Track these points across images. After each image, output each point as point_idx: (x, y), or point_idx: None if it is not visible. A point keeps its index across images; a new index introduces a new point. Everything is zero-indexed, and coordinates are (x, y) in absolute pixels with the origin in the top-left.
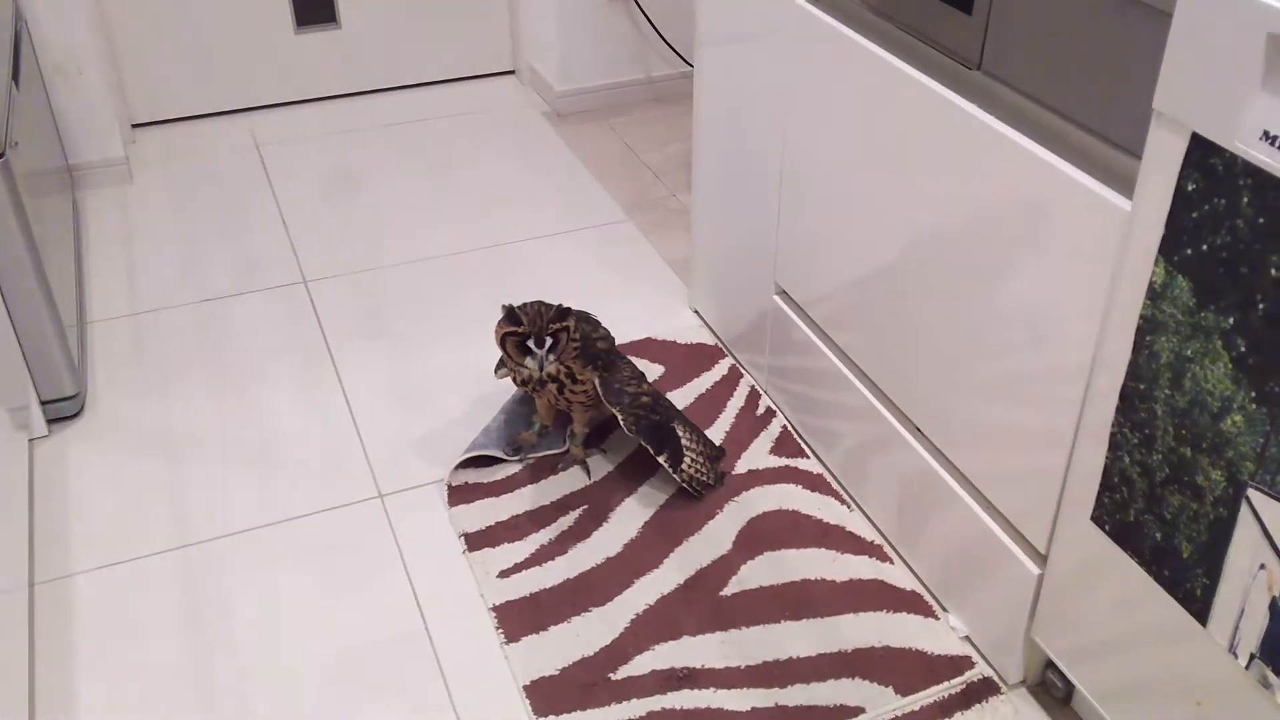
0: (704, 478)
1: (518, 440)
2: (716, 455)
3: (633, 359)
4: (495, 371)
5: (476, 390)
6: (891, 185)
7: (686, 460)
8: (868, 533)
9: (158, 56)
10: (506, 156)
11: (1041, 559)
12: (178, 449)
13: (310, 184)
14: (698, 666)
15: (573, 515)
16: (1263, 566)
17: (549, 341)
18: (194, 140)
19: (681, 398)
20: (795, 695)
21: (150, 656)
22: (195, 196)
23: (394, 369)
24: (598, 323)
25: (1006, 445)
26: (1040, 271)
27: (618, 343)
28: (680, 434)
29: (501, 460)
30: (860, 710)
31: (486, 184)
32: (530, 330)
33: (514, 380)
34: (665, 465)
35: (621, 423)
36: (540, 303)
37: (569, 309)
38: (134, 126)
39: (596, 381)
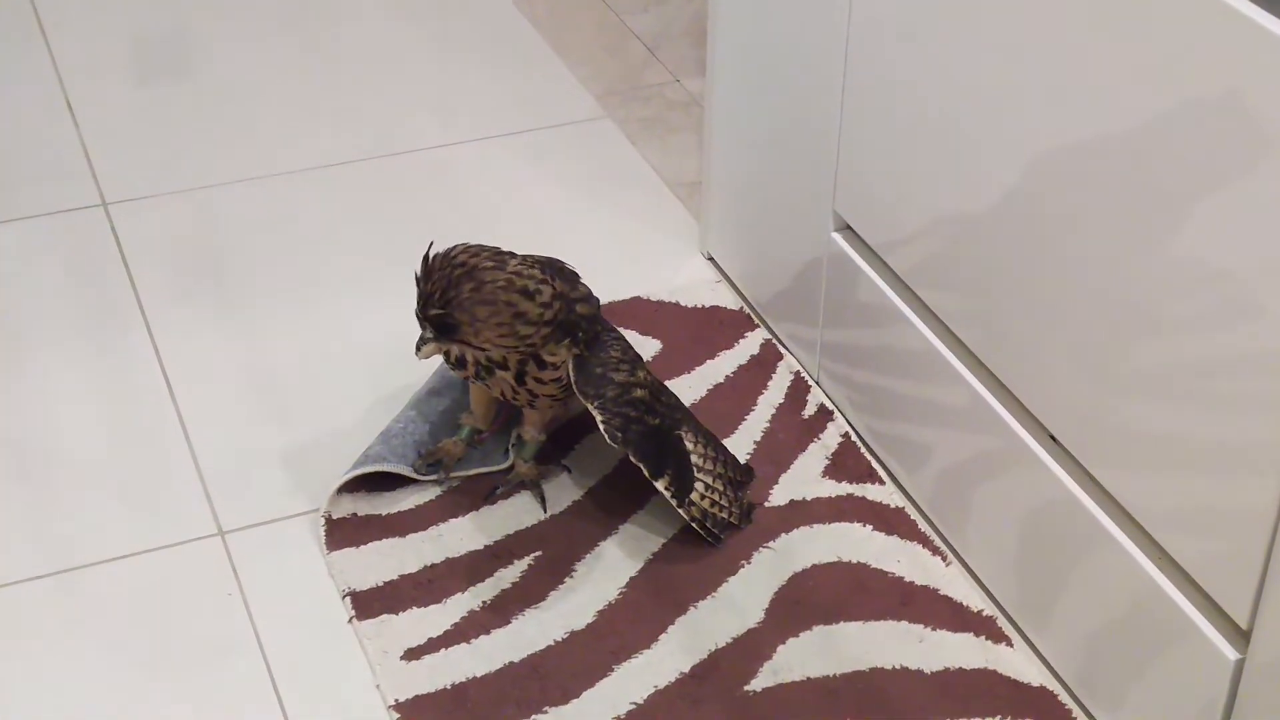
0: (724, 514)
1: (436, 451)
2: (741, 480)
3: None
4: (417, 350)
5: (372, 375)
6: (1019, 65)
7: (700, 487)
8: (973, 599)
9: None
10: (418, 17)
11: (1243, 638)
12: None
13: (113, 52)
14: None
15: (519, 566)
16: None
17: (441, 311)
18: None
19: (688, 390)
20: None
21: None
22: None
23: (242, 340)
24: (576, 277)
25: (1190, 467)
26: (1245, 204)
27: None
28: (690, 447)
29: (410, 481)
30: None
31: (388, 59)
32: (421, 292)
33: (448, 361)
34: (666, 495)
35: (601, 427)
36: (467, 248)
37: (483, 255)
38: None
39: (570, 364)
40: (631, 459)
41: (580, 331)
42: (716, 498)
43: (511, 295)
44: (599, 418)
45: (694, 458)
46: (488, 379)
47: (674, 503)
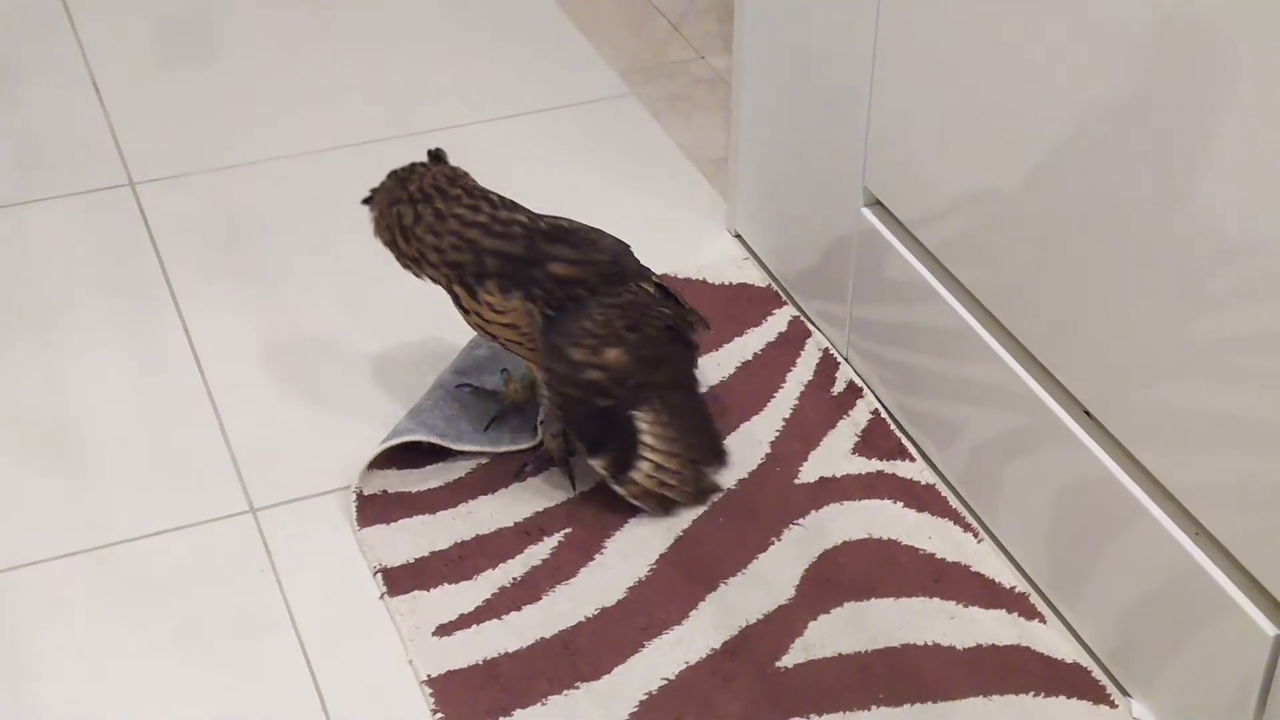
0: (672, 494)
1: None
2: (708, 461)
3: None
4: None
5: (400, 352)
6: (1054, 35)
7: (646, 467)
8: (1005, 575)
9: None
10: None
11: None
12: None
13: (138, 34)
14: None
15: (549, 543)
16: None
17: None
18: None
19: (716, 367)
20: None
21: None
22: None
23: (271, 318)
24: (590, 241)
25: (1229, 442)
26: None
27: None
28: (646, 426)
29: (440, 459)
30: None
31: (411, 38)
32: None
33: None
34: (603, 473)
35: (547, 396)
36: (461, 180)
37: (456, 188)
38: None
39: (539, 326)
40: (568, 432)
41: (539, 289)
42: (665, 478)
43: (401, 209)
44: (547, 389)
45: (647, 437)
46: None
47: (610, 481)
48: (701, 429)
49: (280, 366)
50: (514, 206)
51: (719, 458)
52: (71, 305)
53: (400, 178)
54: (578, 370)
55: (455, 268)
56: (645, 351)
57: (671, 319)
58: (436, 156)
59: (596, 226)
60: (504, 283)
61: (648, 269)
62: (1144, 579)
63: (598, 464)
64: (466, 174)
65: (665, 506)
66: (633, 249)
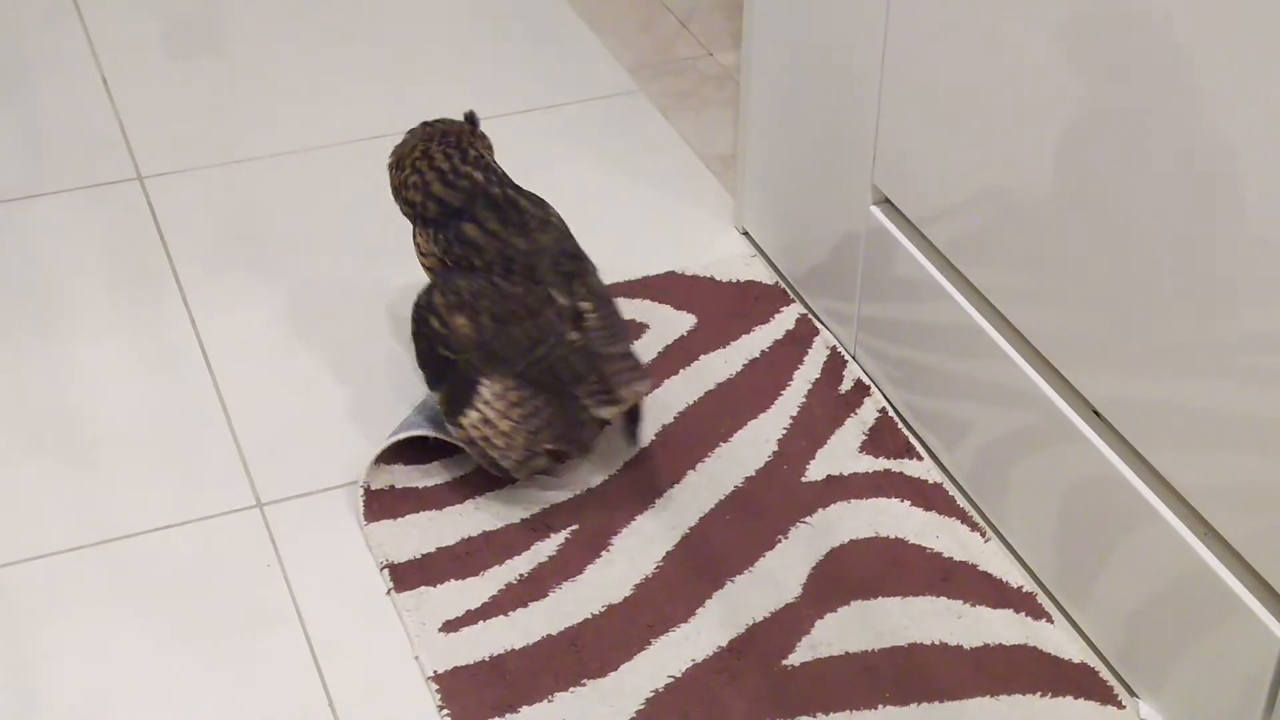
0: (494, 454)
1: None
2: (551, 440)
3: (649, 307)
4: None
5: (408, 347)
6: (1063, 32)
7: (475, 418)
8: (1013, 574)
9: None
10: None
11: None
12: None
13: (147, 28)
14: None
15: (555, 540)
16: None
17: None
18: None
19: (724, 364)
20: None
21: None
22: None
23: (278, 311)
24: (526, 229)
25: (1239, 443)
26: None
27: (614, 281)
28: (489, 384)
29: (445, 455)
30: None
31: (419, 33)
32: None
33: None
34: (440, 408)
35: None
36: (464, 139)
37: (448, 144)
38: None
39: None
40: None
41: (443, 235)
42: (492, 437)
43: (411, 141)
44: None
45: (485, 391)
46: None
47: (444, 417)
48: (555, 412)
49: (287, 361)
50: (486, 168)
51: (571, 445)
52: (79, 298)
53: (428, 123)
54: (429, 310)
55: (410, 205)
56: (496, 344)
57: (557, 347)
58: (469, 118)
59: (559, 226)
60: (425, 225)
61: (584, 292)
62: (1152, 580)
63: (435, 396)
64: (484, 137)
65: (489, 462)
66: (589, 266)
